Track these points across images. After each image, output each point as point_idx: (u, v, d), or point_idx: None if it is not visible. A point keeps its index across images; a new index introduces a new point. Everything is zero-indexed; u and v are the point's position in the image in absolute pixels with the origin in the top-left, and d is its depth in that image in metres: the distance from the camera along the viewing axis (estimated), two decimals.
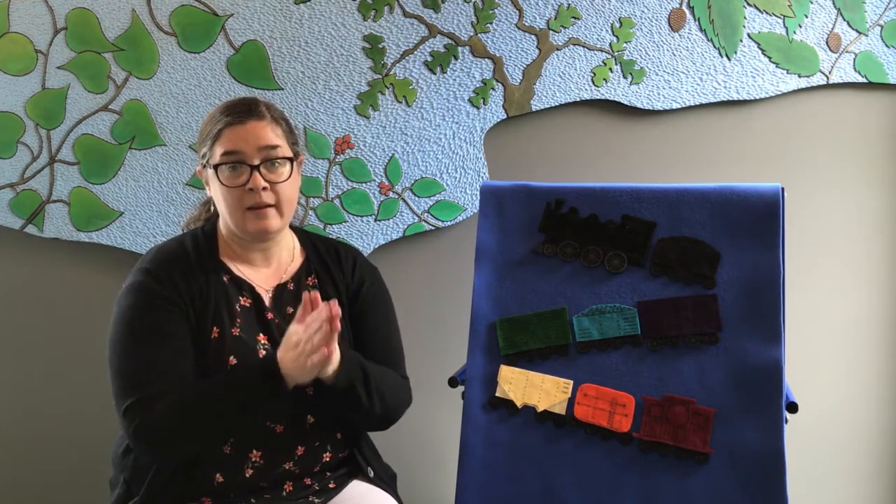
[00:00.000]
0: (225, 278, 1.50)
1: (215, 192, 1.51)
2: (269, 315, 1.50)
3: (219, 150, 1.47)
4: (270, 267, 1.56)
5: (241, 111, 1.49)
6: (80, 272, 2.12)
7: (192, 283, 1.46)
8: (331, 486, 1.57)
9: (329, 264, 1.61)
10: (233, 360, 1.43)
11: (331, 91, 2.11)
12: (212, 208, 1.59)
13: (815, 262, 2.25)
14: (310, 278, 1.58)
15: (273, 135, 1.49)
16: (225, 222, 1.53)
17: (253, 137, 1.47)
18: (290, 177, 1.50)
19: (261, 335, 1.47)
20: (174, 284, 1.44)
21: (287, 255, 1.59)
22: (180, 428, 1.37)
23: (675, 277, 1.65)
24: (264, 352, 1.46)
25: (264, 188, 1.46)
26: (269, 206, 1.47)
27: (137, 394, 1.38)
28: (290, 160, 1.51)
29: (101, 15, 2.04)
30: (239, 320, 1.47)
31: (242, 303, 1.49)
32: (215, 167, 1.47)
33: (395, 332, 1.67)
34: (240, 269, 1.53)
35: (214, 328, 1.44)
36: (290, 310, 1.53)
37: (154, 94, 2.07)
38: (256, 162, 1.47)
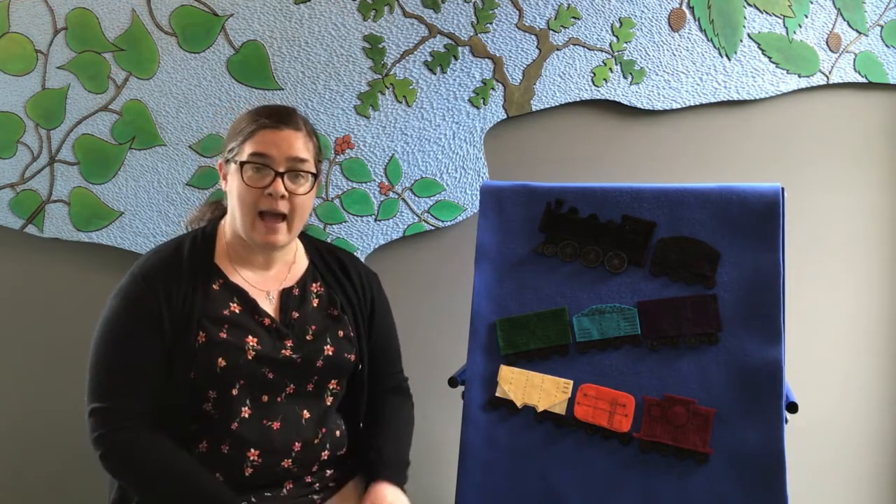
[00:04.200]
0: (216, 285, 1.50)
1: (232, 188, 1.51)
2: (266, 321, 1.50)
3: (248, 149, 1.48)
4: (272, 270, 1.56)
5: (280, 117, 1.50)
6: (80, 272, 2.12)
7: (178, 290, 1.46)
8: (331, 484, 1.57)
9: (336, 273, 1.62)
10: (222, 361, 1.44)
11: (331, 91, 2.11)
12: (225, 204, 1.57)
13: (815, 262, 2.25)
14: (315, 284, 1.59)
15: (304, 148, 1.50)
16: (232, 222, 1.53)
17: (285, 145, 1.48)
18: (309, 192, 1.52)
19: (250, 338, 1.47)
20: (157, 296, 1.45)
21: (290, 259, 1.59)
22: (129, 477, 1.44)
23: (675, 277, 1.65)
24: (253, 353, 1.46)
25: (283, 196, 1.47)
26: (282, 216, 1.48)
27: (102, 401, 1.43)
28: (314, 176, 1.52)
29: (101, 15, 2.04)
30: (227, 325, 1.47)
31: (232, 309, 1.49)
32: (242, 164, 1.48)
33: (395, 334, 1.71)
34: (238, 272, 1.53)
35: (201, 332, 1.45)
36: (296, 314, 1.54)
37: (154, 94, 2.07)
38: (282, 169, 1.47)
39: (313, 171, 1.52)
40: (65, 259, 2.13)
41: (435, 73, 2.13)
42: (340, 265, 1.64)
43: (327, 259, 1.63)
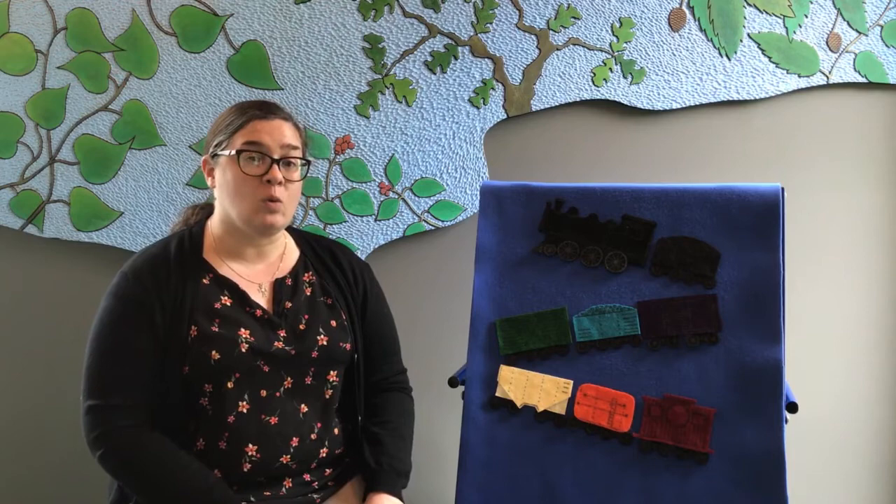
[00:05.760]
0: (205, 280, 1.51)
1: (226, 180, 1.52)
2: (258, 312, 1.51)
3: (241, 139, 1.50)
4: (263, 263, 1.57)
5: (269, 108, 1.54)
6: (80, 272, 2.12)
7: (168, 287, 1.47)
8: (330, 484, 1.57)
9: (327, 263, 1.63)
10: (215, 354, 1.45)
11: (331, 91, 2.11)
12: (212, 202, 1.59)
13: (815, 262, 2.25)
14: (307, 274, 1.60)
15: (294, 136, 1.54)
16: (223, 216, 1.54)
17: (278, 133, 1.51)
18: (302, 179, 1.55)
19: (242, 330, 1.48)
20: (147, 290, 1.46)
21: (280, 251, 1.60)
22: (129, 476, 1.44)
23: (675, 277, 1.65)
24: (246, 345, 1.47)
25: (280, 183, 1.49)
26: (280, 201, 1.50)
27: (98, 398, 1.43)
28: (305, 164, 1.56)
29: (101, 15, 2.04)
30: (218, 319, 1.48)
31: (224, 301, 1.50)
32: (237, 153, 1.49)
33: (393, 326, 1.72)
34: (228, 266, 1.54)
35: (193, 327, 1.46)
36: (289, 304, 1.54)
37: (154, 94, 2.07)
38: (277, 156, 1.50)
39: (304, 158, 1.56)
40: (65, 259, 2.13)
41: (435, 73, 2.13)
42: (331, 255, 1.65)
43: (318, 250, 1.65)
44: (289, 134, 1.52)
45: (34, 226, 2.09)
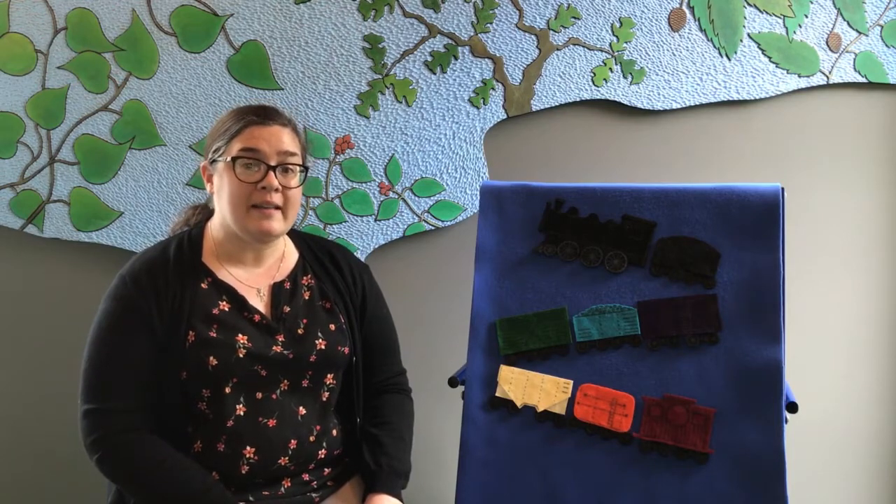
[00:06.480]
0: (204, 284, 1.51)
1: (222, 186, 1.51)
2: (256, 317, 1.51)
3: (237, 146, 1.49)
4: (262, 267, 1.57)
5: (267, 114, 1.53)
6: (80, 272, 2.12)
7: (166, 291, 1.47)
8: (329, 483, 1.57)
9: (326, 265, 1.62)
10: (213, 360, 1.44)
11: (331, 91, 2.11)
12: (212, 206, 1.59)
13: (815, 261, 2.25)
14: (306, 277, 1.60)
15: (292, 142, 1.53)
16: (222, 220, 1.54)
17: (275, 140, 1.50)
18: (300, 185, 1.54)
19: (240, 336, 1.48)
20: (145, 295, 1.46)
21: (279, 255, 1.60)
22: (127, 480, 1.44)
23: (675, 277, 1.65)
24: (244, 351, 1.46)
25: (276, 189, 1.49)
26: (276, 207, 1.49)
27: (96, 402, 1.44)
28: (304, 170, 1.54)
29: (101, 15, 2.04)
30: (216, 325, 1.47)
31: (221, 307, 1.49)
32: (233, 160, 1.48)
33: (392, 328, 1.71)
34: (227, 270, 1.53)
35: (190, 332, 1.45)
36: (287, 308, 1.54)
37: (154, 94, 2.07)
38: (273, 163, 1.49)
39: (302, 164, 1.54)
40: (65, 259, 2.13)
41: (435, 73, 2.13)
42: (330, 257, 1.65)
43: (317, 252, 1.64)
44: (287, 140, 1.51)
45: (34, 226, 2.09)
